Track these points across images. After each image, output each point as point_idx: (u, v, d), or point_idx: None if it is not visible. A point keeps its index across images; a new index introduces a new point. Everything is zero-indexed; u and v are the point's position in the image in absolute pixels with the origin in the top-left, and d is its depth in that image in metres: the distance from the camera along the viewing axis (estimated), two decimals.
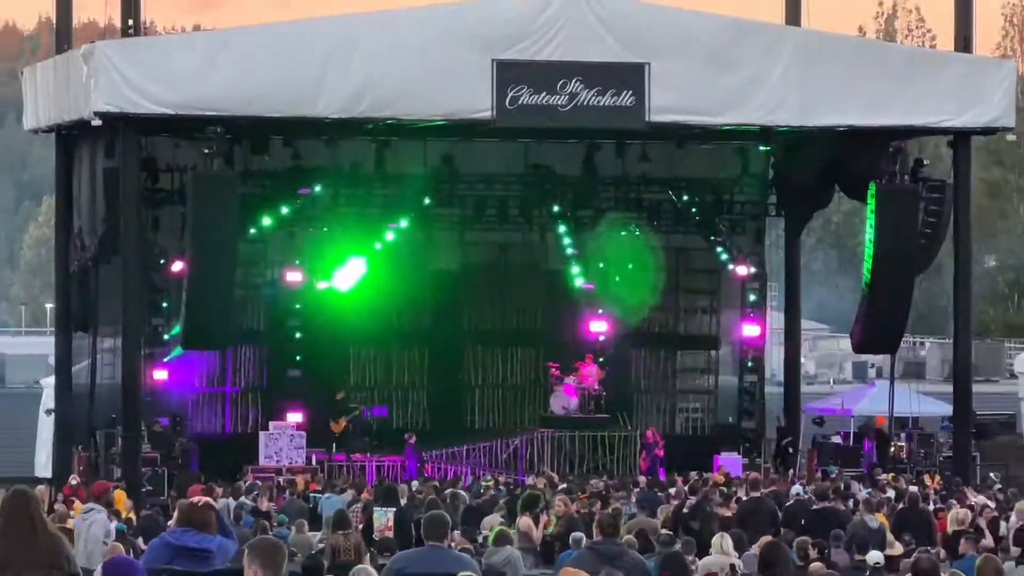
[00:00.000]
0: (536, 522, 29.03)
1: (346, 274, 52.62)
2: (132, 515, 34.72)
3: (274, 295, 53.57)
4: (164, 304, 48.21)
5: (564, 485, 40.82)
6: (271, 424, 49.97)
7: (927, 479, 44.12)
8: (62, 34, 52.64)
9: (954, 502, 37.33)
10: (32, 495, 17.03)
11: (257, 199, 49.05)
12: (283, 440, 48.62)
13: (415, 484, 42.18)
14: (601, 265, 54.98)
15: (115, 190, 44.57)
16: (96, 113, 43.33)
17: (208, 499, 27.06)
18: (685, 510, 36.01)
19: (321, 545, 27.94)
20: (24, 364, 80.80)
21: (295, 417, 50.77)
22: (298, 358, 52.79)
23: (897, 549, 27.48)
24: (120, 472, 43.46)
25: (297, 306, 53.17)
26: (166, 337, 49.08)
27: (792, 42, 48.86)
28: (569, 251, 54.22)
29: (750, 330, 56.12)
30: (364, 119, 45.78)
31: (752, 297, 55.74)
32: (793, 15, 54.07)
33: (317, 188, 50.59)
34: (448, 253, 54.63)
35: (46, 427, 55.24)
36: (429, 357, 55.33)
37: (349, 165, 50.25)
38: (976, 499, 38.91)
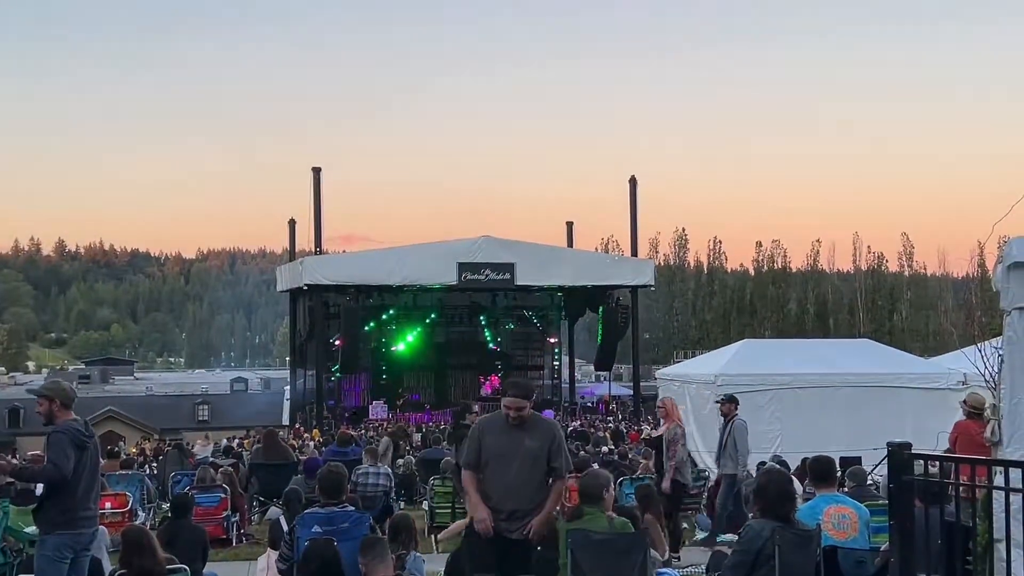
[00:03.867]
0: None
1: (402, 345, 57.73)
2: (320, 440, 36.55)
3: (375, 352, 57.77)
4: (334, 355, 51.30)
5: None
6: (373, 402, 54.35)
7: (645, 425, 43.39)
8: (292, 254, 59.37)
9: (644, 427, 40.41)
10: (274, 431, 20.48)
11: (366, 316, 53.76)
12: (378, 408, 53.05)
13: (428, 426, 45.14)
14: (499, 339, 60.20)
15: (314, 315, 49.95)
16: (305, 284, 48.69)
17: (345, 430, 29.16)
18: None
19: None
20: (278, 382, 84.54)
21: (380, 400, 54.47)
22: (383, 378, 57.64)
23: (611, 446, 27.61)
24: (315, 423, 46.82)
25: (382, 357, 57.99)
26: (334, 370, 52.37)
27: (568, 255, 54.87)
28: (487, 335, 59.57)
29: (553, 363, 60.92)
30: (407, 285, 50.94)
31: (555, 351, 60.88)
32: (570, 241, 59.92)
33: (391, 312, 55.73)
34: (440, 336, 59.05)
35: (286, 406, 59.62)
36: (435, 376, 59.36)
37: (401, 303, 54.91)
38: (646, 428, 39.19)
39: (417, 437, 38.71)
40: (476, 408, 42.47)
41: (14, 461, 9.42)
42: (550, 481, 7.34)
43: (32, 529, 8.28)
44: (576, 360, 65.85)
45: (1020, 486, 6.35)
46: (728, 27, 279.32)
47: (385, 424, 45.97)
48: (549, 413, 48.96)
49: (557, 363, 60.41)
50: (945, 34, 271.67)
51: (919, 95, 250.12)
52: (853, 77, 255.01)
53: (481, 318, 58.70)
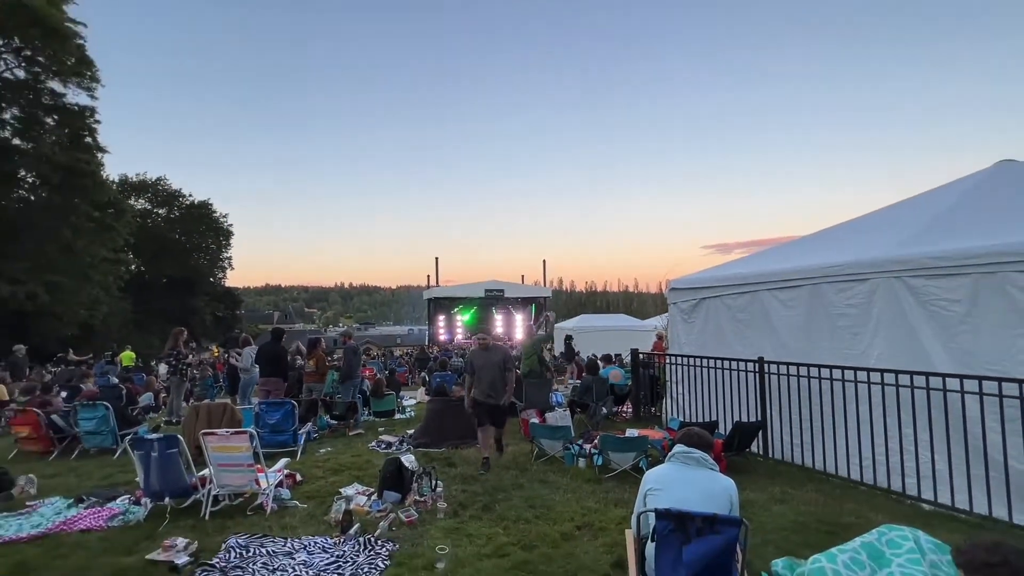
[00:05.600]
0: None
1: (465, 318, 40.27)
2: (438, 350, 25.33)
3: (455, 322, 44.80)
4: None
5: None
6: (455, 339, 36.80)
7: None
8: (428, 285, 42.16)
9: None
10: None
11: (451, 308, 37.65)
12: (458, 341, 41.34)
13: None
14: (498, 317, 41.62)
15: (431, 308, 35.87)
16: (432, 297, 34.83)
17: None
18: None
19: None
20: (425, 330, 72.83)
21: (458, 337, 37.70)
22: (458, 330, 41.89)
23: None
24: (435, 344, 32.34)
25: (460, 327, 50.28)
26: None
27: (522, 287, 38.41)
28: (495, 315, 50.86)
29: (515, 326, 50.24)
30: (467, 296, 35.98)
31: (518, 321, 48.90)
32: (523, 281, 47.34)
33: (461, 307, 38.58)
34: (478, 316, 38.63)
35: (426, 338, 38.85)
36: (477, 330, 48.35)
37: (467, 304, 38.06)
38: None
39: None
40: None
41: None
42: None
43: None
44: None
45: (679, 363, 6.27)
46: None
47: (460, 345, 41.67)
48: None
49: (518, 326, 55.09)
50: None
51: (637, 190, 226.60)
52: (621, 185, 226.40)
53: (493, 309, 54.43)
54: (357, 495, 4.23)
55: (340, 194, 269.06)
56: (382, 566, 3.21)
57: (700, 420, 5.62)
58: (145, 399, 8.36)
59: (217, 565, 3.18)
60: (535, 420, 5.70)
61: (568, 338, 14.44)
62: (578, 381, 7.55)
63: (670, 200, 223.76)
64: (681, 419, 5.90)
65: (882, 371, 4.14)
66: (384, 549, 3.40)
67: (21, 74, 16.64)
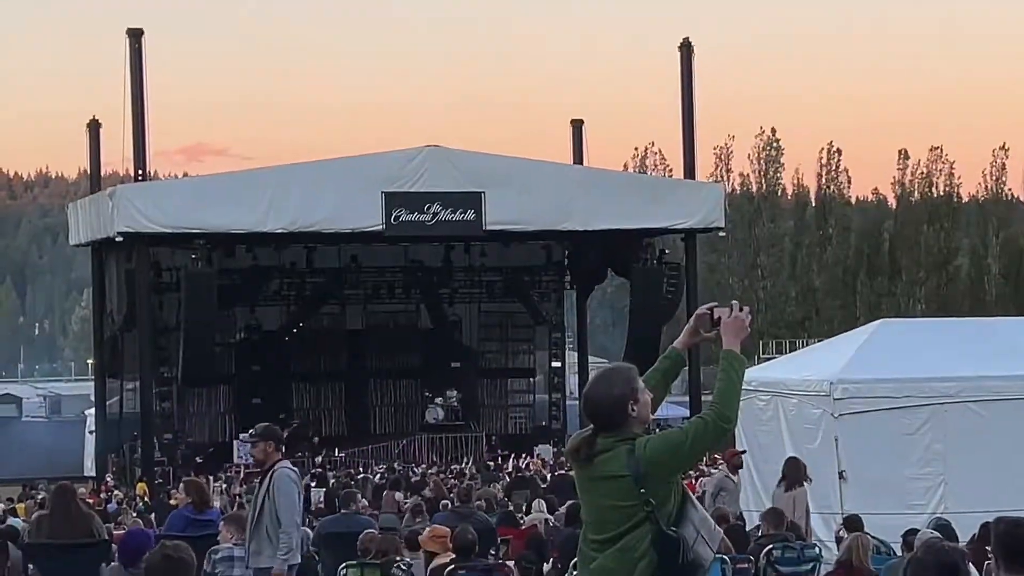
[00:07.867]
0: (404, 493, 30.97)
1: (288, 337, 52.00)
2: (148, 499, 35.89)
3: (241, 351, 52.50)
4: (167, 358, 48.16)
5: (433, 469, 42.31)
6: (241, 435, 47.56)
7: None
8: (94, 180, 55.19)
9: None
10: (70, 487, 17.99)
11: (228, 287, 47.73)
12: (248, 446, 47.37)
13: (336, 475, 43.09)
14: (457, 324, 53.72)
15: (132, 284, 46.23)
16: (118, 232, 44.58)
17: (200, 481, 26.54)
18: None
19: None
20: (74, 401, 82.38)
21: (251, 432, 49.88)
22: (256, 393, 51.32)
23: None
24: (140, 471, 44.89)
25: (254, 358, 52.38)
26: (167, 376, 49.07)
27: (576, 175, 50.38)
28: (435, 317, 53.20)
29: (551, 363, 55.99)
30: (299, 232, 46.31)
31: (554, 343, 54.98)
32: (578, 155, 55.20)
33: (270, 280, 50.67)
34: (355, 319, 53.07)
35: (89, 442, 56.08)
36: (345, 390, 52.86)
37: (289, 263, 49.90)
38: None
39: (318, 494, 37.00)
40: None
41: None
42: None
43: None
44: (592, 360, 58.97)
45: None
46: None
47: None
48: (546, 449, 47.35)
49: (558, 363, 54.32)
50: None
51: None
52: None
53: (423, 290, 52.80)
54: None
55: None
56: None
57: None
58: None
59: None
60: None
61: None
62: None
63: None
64: None
65: None
66: None
67: None
